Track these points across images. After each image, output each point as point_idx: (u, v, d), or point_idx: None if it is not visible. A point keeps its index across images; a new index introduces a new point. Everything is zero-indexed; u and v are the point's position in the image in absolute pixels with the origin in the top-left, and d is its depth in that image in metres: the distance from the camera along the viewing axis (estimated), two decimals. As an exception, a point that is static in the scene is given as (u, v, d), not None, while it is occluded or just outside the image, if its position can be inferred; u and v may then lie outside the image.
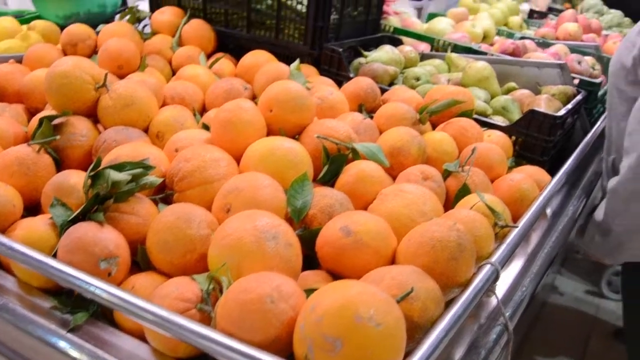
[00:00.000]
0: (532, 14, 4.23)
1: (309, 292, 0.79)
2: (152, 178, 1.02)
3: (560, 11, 4.84)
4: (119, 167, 1.00)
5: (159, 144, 1.26)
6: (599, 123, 1.85)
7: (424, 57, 2.02)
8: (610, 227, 1.49)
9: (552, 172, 1.42)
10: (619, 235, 1.48)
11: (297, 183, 1.03)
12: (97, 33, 1.81)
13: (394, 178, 1.21)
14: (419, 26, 2.31)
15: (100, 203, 0.97)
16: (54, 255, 0.90)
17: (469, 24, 2.37)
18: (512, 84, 1.81)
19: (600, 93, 1.90)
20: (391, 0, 2.23)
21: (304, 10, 1.76)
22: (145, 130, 1.30)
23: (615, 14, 3.30)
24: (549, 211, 1.41)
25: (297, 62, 1.52)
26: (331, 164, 1.16)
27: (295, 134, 1.23)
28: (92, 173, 0.98)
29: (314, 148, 1.17)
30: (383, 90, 1.64)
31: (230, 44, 1.94)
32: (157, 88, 1.43)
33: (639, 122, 1.43)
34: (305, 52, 1.79)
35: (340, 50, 1.74)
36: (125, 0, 2.82)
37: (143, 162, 1.03)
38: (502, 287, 1.04)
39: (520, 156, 1.54)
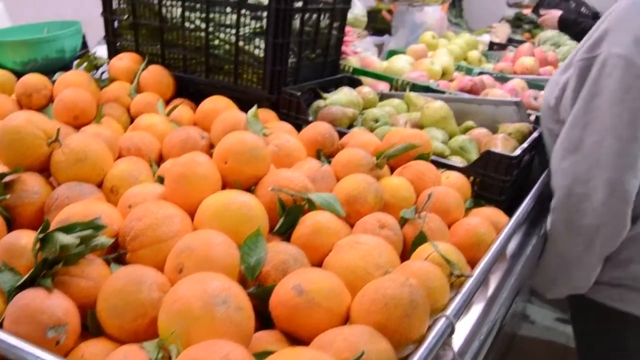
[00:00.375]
0: (492, 45, 4.32)
1: (262, 355, 0.78)
2: (103, 239, 1.01)
3: (520, 42, 4.95)
4: (69, 228, 0.98)
5: (113, 199, 1.24)
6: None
7: (383, 96, 2.04)
8: (546, 263, 1.57)
9: (512, 210, 1.43)
10: (553, 270, 1.56)
11: (250, 239, 1.02)
12: (54, 82, 1.79)
13: (351, 226, 1.21)
14: (379, 65, 2.33)
15: (49, 267, 0.95)
16: (0, 325, 0.88)
17: (428, 62, 2.40)
18: (470, 123, 1.83)
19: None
20: (350, 41, 2.25)
21: (262, 55, 1.77)
22: (100, 185, 1.28)
23: (572, 46, 3.37)
24: (508, 252, 1.43)
25: (254, 108, 1.52)
26: (287, 216, 1.15)
27: (251, 185, 1.23)
28: (40, 236, 0.96)
29: (270, 200, 1.16)
30: (342, 134, 1.65)
31: (189, 89, 1.94)
32: (112, 140, 1.41)
33: (559, 161, 1.50)
34: (264, 97, 1.80)
35: (299, 94, 1.75)
36: (86, 43, 2.81)
37: (94, 221, 1.01)
38: (459, 338, 1.03)
39: (479, 196, 1.55)
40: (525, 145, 1.63)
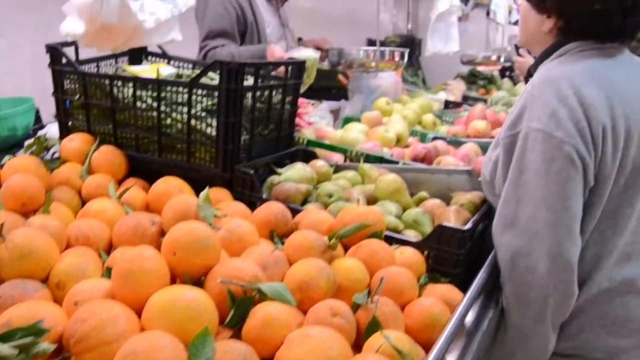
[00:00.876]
0: (447, 104, 4.41)
1: None
2: (45, 345, 0.98)
3: (475, 99, 5.09)
4: (8, 336, 0.95)
5: (59, 295, 1.21)
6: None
7: (338, 168, 2.05)
8: (503, 336, 1.58)
9: (469, 281, 1.44)
10: (510, 343, 1.57)
11: (198, 339, 1.00)
12: (2, 166, 1.77)
13: (305, 312, 1.19)
14: (333, 135, 2.36)
15: (-14, 380, 0.91)
16: None
17: (382, 129, 2.44)
18: (424, 194, 1.85)
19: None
20: (304, 113, 2.28)
21: (214, 133, 1.77)
22: (46, 279, 1.25)
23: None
24: (465, 327, 1.42)
25: (205, 192, 1.51)
26: (237, 308, 1.13)
27: (202, 276, 1.21)
28: (-22, 346, 0.93)
29: (219, 292, 1.15)
30: (296, 211, 1.65)
31: (143, 168, 1.92)
32: (59, 230, 1.39)
33: (499, 236, 1.54)
34: (218, 175, 1.80)
35: (252, 172, 1.76)
36: (40, 118, 2.79)
37: (37, 325, 0.98)
38: None
39: (434, 270, 1.55)
40: (476, 217, 1.65)
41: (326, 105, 3.06)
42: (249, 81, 1.85)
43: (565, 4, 1.55)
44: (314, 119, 2.51)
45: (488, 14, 5.65)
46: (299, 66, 2.04)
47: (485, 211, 1.73)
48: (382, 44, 6.70)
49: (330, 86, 4.20)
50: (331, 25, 5.90)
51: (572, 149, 1.41)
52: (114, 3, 1.57)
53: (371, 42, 6.90)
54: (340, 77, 3.75)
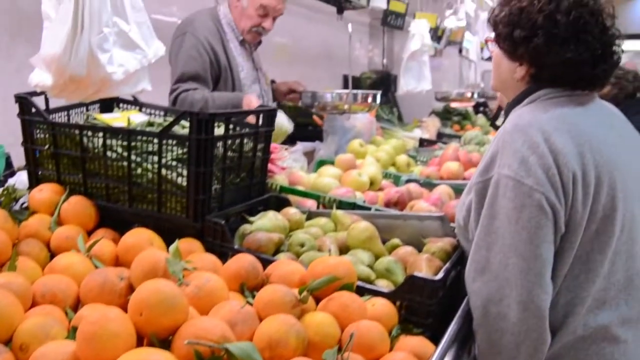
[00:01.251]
0: (422, 142, 4.45)
1: None
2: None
3: (450, 136, 5.15)
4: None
5: (22, 357, 1.18)
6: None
7: (311, 214, 2.05)
8: None
9: (443, 331, 1.44)
10: None
11: (162, 407, 0.98)
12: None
13: (275, 370, 1.18)
14: (307, 180, 2.36)
15: None
16: None
17: (356, 173, 2.45)
18: (396, 241, 1.86)
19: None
20: (277, 159, 2.28)
21: (185, 183, 1.77)
22: (10, 340, 1.22)
23: (496, 143, 3.50)
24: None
25: (174, 246, 1.49)
26: (205, 370, 1.12)
27: (169, 335, 1.19)
28: None
29: (187, 353, 1.13)
30: (268, 261, 1.64)
31: (113, 218, 1.90)
32: (25, 288, 1.37)
33: (471, 283, 1.54)
34: (189, 225, 1.78)
35: (223, 222, 1.75)
36: (11, 164, 2.76)
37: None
38: None
39: (407, 320, 1.54)
40: (448, 265, 1.66)
41: (300, 146, 3.07)
42: (221, 128, 1.85)
43: (536, 53, 1.58)
44: (288, 162, 2.51)
45: (460, 51, 5.76)
46: (271, 114, 2.05)
47: (457, 259, 1.74)
48: (358, 80, 6.83)
49: (307, 123, 4.23)
50: (307, 61, 5.96)
51: (542, 196, 1.44)
52: (82, 55, 1.57)
53: (347, 79, 6.97)
54: (315, 117, 3.77)
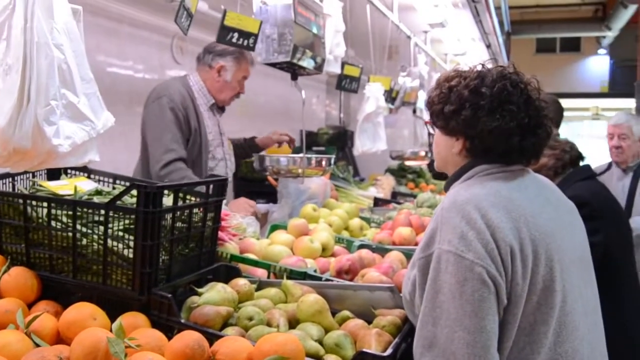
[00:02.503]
0: (377, 201, 4.48)
1: None
2: None
3: (404, 194, 5.20)
4: None
5: None
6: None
7: (261, 284, 2.03)
8: None
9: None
10: None
11: None
12: None
13: None
14: (258, 247, 2.34)
15: None
16: None
17: (308, 240, 2.44)
18: (346, 313, 1.85)
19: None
20: (228, 227, 2.26)
21: (132, 255, 1.73)
22: None
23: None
24: None
25: (117, 323, 1.46)
26: None
27: None
28: None
29: None
30: (216, 336, 1.61)
31: (57, 289, 1.85)
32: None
33: (419, 359, 1.52)
34: (135, 298, 1.74)
35: (169, 295, 1.71)
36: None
37: None
38: None
39: (356, 397, 1.53)
40: (397, 340, 1.66)
41: (258, 203, 3.06)
42: (170, 198, 1.83)
43: (466, 124, 1.64)
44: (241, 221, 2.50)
45: (414, 111, 5.88)
46: (221, 183, 2.04)
47: (407, 331, 1.74)
48: (315, 135, 6.89)
49: (264, 178, 4.26)
50: (266, 116, 6.00)
51: (483, 270, 1.47)
52: (27, 128, 1.54)
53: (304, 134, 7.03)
54: (270, 179, 3.78)
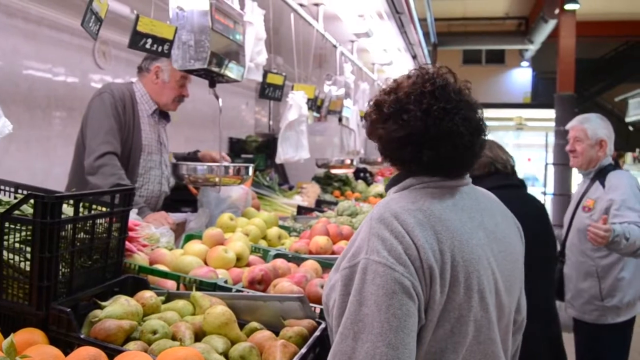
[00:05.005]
0: (300, 210, 4.48)
1: None
2: None
3: (329, 202, 5.22)
4: None
5: None
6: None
7: (170, 296, 1.98)
8: None
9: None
10: None
11: None
12: None
13: None
14: (169, 258, 2.28)
15: None
16: None
17: (222, 249, 2.40)
18: (255, 325, 1.82)
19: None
20: (137, 237, 2.20)
21: (28, 268, 1.66)
22: None
23: (367, 213, 3.58)
24: None
25: (9, 340, 1.39)
26: None
27: None
28: None
29: None
30: (117, 352, 1.56)
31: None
32: None
33: None
34: (32, 313, 1.67)
35: (68, 310, 1.65)
36: None
37: None
38: None
39: (259, 411, 1.51)
40: (303, 350, 1.65)
41: (170, 219, 2.99)
42: (71, 208, 1.76)
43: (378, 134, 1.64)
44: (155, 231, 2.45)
45: (340, 120, 5.91)
46: (128, 193, 1.98)
47: (313, 342, 1.73)
48: (244, 142, 6.84)
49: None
50: (193, 123, 5.92)
51: (411, 284, 1.43)
52: None
53: (232, 142, 6.98)
54: (190, 187, 3.72)
